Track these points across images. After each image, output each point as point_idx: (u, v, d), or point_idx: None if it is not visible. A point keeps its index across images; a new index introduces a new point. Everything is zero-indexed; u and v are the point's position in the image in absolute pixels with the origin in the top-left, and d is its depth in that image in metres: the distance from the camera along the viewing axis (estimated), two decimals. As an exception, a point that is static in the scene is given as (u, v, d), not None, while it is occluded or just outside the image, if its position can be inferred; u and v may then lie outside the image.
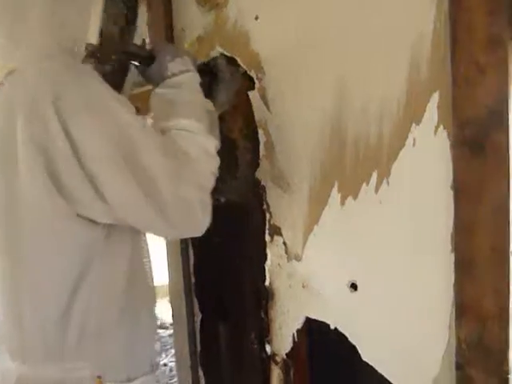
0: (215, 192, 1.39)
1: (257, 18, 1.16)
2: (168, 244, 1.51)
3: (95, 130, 0.73)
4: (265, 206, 1.22)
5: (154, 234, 0.87)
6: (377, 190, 0.97)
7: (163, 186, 0.77)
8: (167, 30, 1.40)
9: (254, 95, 1.18)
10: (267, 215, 1.22)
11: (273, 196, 1.19)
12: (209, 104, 0.97)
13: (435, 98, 0.87)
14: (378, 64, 0.93)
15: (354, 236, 1.03)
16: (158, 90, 0.93)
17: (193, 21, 1.34)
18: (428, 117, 0.88)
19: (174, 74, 0.94)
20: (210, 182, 0.86)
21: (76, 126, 0.72)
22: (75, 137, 0.72)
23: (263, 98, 1.16)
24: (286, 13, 1.08)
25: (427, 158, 0.89)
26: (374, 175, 0.97)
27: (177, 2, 1.39)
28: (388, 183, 0.96)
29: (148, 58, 0.97)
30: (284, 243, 1.18)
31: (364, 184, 0.99)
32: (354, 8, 0.96)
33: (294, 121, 1.10)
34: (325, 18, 1.01)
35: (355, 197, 1.01)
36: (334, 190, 1.05)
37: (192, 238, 1.48)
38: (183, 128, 0.86)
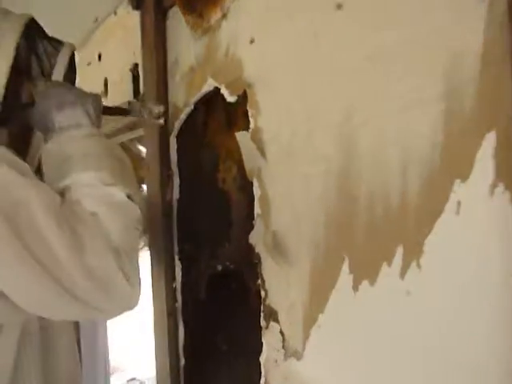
0: (211, 258, 1.11)
1: (252, 42, 0.92)
2: (155, 321, 1.23)
3: None
4: (260, 281, 0.93)
5: (75, 319, 0.73)
6: (403, 274, 0.66)
7: (70, 265, 0.60)
8: (160, 60, 1.20)
9: (244, 138, 0.92)
10: (262, 293, 0.93)
11: (268, 268, 0.91)
12: (116, 149, 0.76)
13: (489, 141, 0.57)
14: (398, 94, 0.65)
15: (372, 334, 0.72)
16: (46, 146, 0.74)
17: (186, 50, 1.13)
18: (479, 170, 0.58)
19: (61, 128, 0.73)
20: (129, 240, 0.67)
21: None
22: None
23: (257, 141, 0.90)
24: (288, 34, 0.83)
25: (478, 230, 0.59)
26: (399, 253, 0.67)
27: (171, 30, 1.19)
28: (419, 266, 0.65)
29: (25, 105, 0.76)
30: (281, 333, 0.88)
31: (385, 264, 0.69)
32: (366, 24, 0.69)
33: (293, 171, 0.83)
34: (333, 40, 0.75)
35: (373, 281, 0.71)
36: (345, 268, 0.75)
37: (184, 315, 1.20)
38: (83, 184, 0.68)
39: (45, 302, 0.62)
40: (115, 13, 1.40)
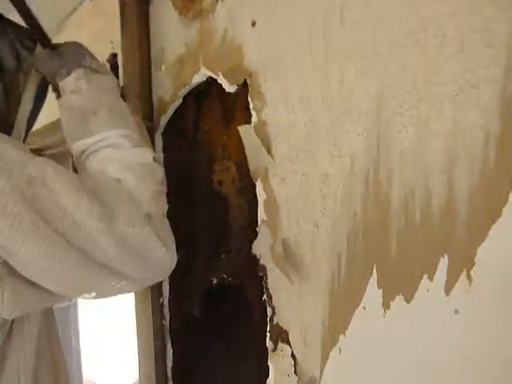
0: (205, 270, 1.00)
1: (254, 24, 0.81)
2: (139, 341, 1.10)
3: None
4: (265, 297, 0.82)
5: (110, 295, 0.66)
6: (448, 289, 0.56)
7: (101, 237, 0.57)
8: (143, 50, 1.07)
9: (248, 133, 0.80)
10: (268, 310, 0.81)
11: (277, 283, 0.79)
12: (129, 108, 0.74)
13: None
14: (448, 77, 0.55)
15: (407, 361, 0.61)
16: (64, 99, 0.70)
17: (173, 37, 1.01)
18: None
19: (92, 68, 0.72)
20: (159, 206, 0.66)
21: None
22: None
23: (262, 136, 0.79)
24: (303, 11, 0.72)
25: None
26: (443, 264, 0.57)
27: (155, 15, 1.06)
28: (469, 280, 0.54)
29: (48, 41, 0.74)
30: (293, 356, 0.77)
31: (425, 277, 0.58)
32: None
33: (308, 170, 0.72)
34: (365, 14, 0.64)
35: (409, 298, 0.60)
36: (373, 282, 0.64)
37: (173, 335, 1.07)
38: (109, 143, 0.65)
39: (79, 281, 0.59)
40: (90, -2, 1.27)
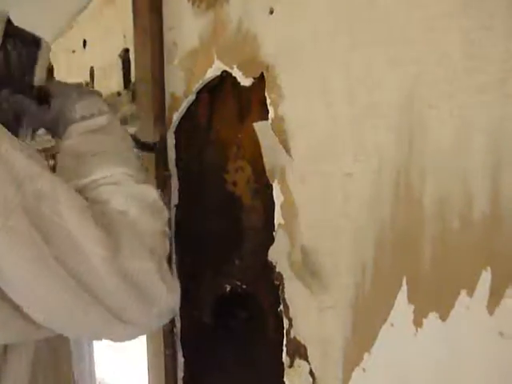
0: (218, 275, 0.95)
1: (272, 12, 0.74)
2: (149, 349, 1.05)
3: None
4: (281, 307, 0.75)
5: (106, 338, 0.60)
6: (492, 308, 0.49)
7: (102, 266, 0.52)
8: (155, 43, 1.02)
9: (264, 130, 0.74)
10: (285, 322, 0.75)
11: (294, 292, 0.73)
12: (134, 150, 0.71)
13: None
14: (494, 64, 0.48)
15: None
16: (65, 142, 0.66)
17: (186, 29, 0.95)
18: None
19: (83, 118, 0.67)
20: (162, 244, 0.62)
21: None
22: None
23: (280, 133, 0.73)
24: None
25: None
26: (485, 278, 0.49)
27: (168, 7, 1.01)
28: (518, 297, 0.47)
29: (42, 96, 0.69)
30: (311, 374, 0.70)
31: (463, 292, 0.51)
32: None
33: (329, 169, 0.65)
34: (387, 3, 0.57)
35: (444, 315, 0.53)
36: (402, 297, 0.58)
37: (184, 345, 1.02)
38: (111, 181, 0.61)
39: (71, 315, 0.53)
40: (102, -8, 1.22)
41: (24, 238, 0.48)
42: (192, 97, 0.94)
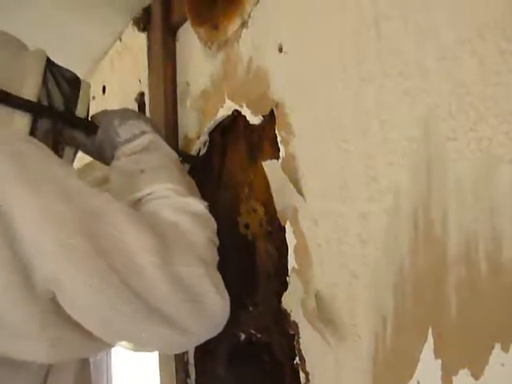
0: (232, 323, 0.91)
1: (281, 50, 0.73)
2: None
3: (34, 207, 0.49)
4: (298, 360, 0.69)
5: (159, 349, 0.67)
6: (533, 365, 0.43)
7: (156, 274, 0.53)
8: (168, 86, 1.02)
9: (273, 169, 0.71)
10: (301, 376, 0.68)
11: (310, 343, 0.67)
12: (180, 164, 0.78)
13: None
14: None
15: None
16: (114, 163, 0.73)
17: (198, 70, 0.95)
18: None
19: (127, 140, 0.74)
20: (212, 254, 0.65)
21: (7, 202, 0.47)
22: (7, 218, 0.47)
23: (291, 172, 0.69)
24: (334, 30, 0.64)
25: None
26: (523, 330, 0.43)
27: (182, 50, 1.02)
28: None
29: (89, 127, 0.77)
30: None
31: (497, 347, 0.45)
32: None
33: (344, 210, 0.61)
34: (395, 26, 0.55)
35: (478, 372, 0.47)
36: (428, 351, 0.51)
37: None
38: (159, 196, 0.65)
39: (126, 325, 0.54)
40: (120, 39, 1.25)
41: (79, 251, 0.49)
42: (204, 137, 0.93)
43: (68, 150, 0.75)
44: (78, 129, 0.75)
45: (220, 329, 0.63)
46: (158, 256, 0.54)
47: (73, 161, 0.77)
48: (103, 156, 0.77)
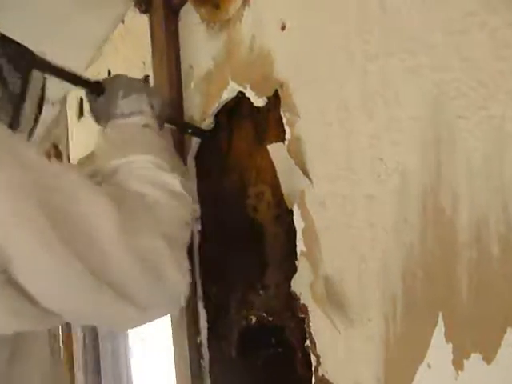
0: (243, 306, 0.91)
1: (284, 28, 0.71)
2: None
3: None
4: (308, 343, 0.69)
5: (107, 325, 0.70)
6: (546, 349, 0.41)
7: (113, 245, 0.52)
8: (172, 68, 1.00)
9: (279, 152, 0.69)
10: (313, 358, 0.69)
11: (320, 327, 0.67)
12: (171, 146, 0.80)
13: None
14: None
15: None
16: (106, 131, 0.74)
17: (201, 51, 0.93)
18: None
19: (123, 115, 0.73)
20: (181, 233, 0.63)
21: None
22: None
23: (297, 154, 0.68)
24: (333, 6, 0.61)
25: None
26: (536, 313, 0.42)
27: (184, 31, 0.99)
28: None
29: (96, 87, 0.77)
30: (344, 418, 0.64)
31: (510, 330, 0.44)
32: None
33: (351, 192, 0.60)
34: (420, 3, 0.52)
35: (489, 356, 0.46)
36: (439, 334, 0.50)
37: (212, 376, 0.97)
38: (137, 167, 0.64)
39: (83, 301, 0.53)
40: (122, 21, 1.23)
41: (33, 222, 0.48)
42: (209, 120, 0.91)
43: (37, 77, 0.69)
44: (82, 87, 0.76)
45: (177, 308, 0.62)
46: (116, 229, 0.52)
47: (42, 90, 0.71)
48: (99, 118, 0.77)
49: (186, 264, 0.60)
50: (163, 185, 0.63)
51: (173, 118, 0.91)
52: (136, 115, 0.72)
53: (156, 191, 0.61)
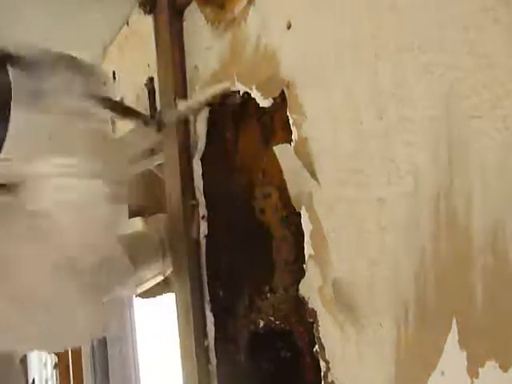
0: (251, 310, 0.89)
1: (289, 27, 0.69)
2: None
3: None
4: (317, 348, 0.68)
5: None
6: None
7: None
8: (177, 69, 0.99)
9: (285, 153, 0.68)
10: (322, 364, 0.67)
11: (329, 332, 0.65)
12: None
13: None
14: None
15: None
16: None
17: (206, 52, 0.92)
18: None
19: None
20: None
21: None
22: None
23: (304, 156, 0.66)
24: (341, 3, 0.60)
25: None
26: (555, 320, 0.40)
27: (189, 32, 0.98)
28: None
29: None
30: (354, 425, 0.62)
31: (527, 338, 0.42)
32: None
33: (361, 195, 0.58)
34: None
35: (506, 364, 0.44)
36: (453, 341, 0.49)
37: (220, 381, 0.96)
38: (45, 174, 0.64)
39: None
40: (127, 23, 1.22)
41: None
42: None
43: None
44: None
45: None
46: None
47: None
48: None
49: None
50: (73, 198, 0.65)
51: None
52: (63, 93, 0.67)
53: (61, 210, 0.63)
